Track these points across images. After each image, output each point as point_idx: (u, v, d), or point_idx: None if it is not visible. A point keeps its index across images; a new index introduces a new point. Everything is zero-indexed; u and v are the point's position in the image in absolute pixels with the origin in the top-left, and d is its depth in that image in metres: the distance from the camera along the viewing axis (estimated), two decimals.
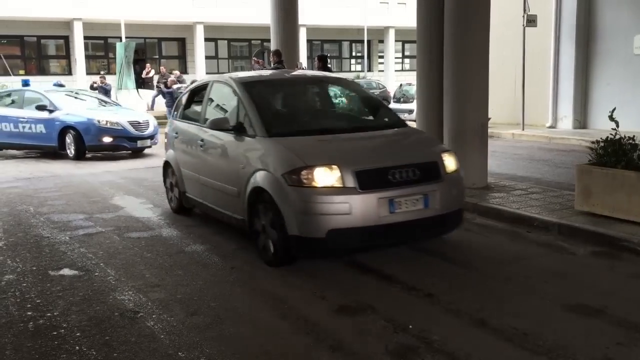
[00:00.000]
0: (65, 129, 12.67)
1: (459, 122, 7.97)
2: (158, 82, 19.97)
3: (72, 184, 9.60)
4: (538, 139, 14.49)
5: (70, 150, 12.66)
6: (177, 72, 22.32)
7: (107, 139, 12.57)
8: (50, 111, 12.92)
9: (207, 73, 28.10)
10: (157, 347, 3.68)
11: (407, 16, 31.26)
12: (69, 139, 12.65)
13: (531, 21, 15.06)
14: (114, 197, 8.47)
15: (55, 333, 3.92)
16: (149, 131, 13.20)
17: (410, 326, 3.89)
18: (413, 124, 8.08)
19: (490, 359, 3.47)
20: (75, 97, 14.50)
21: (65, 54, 29.04)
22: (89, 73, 27.37)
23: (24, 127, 13.19)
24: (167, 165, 7.40)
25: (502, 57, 15.96)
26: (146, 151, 13.64)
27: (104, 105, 14.32)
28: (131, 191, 8.85)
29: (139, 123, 13.08)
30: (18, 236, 6.40)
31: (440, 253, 5.62)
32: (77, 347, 3.70)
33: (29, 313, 4.26)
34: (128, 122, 12.84)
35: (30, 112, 13.14)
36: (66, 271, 5.21)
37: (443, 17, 8.05)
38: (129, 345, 3.72)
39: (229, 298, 4.51)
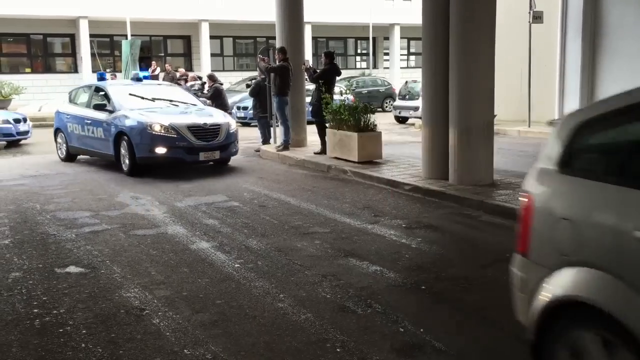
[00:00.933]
0: (120, 134, 10.09)
1: (465, 119, 7.95)
2: (178, 79, 19.97)
3: (77, 182, 9.62)
4: (544, 135, 14.40)
5: (125, 163, 10.09)
6: (182, 70, 22.33)
7: (160, 150, 9.63)
8: (110, 112, 10.49)
9: (212, 71, 28.11)
10: (162, 345, 3.69)
11: (412, 13, 31.15)
12: (123, 149, 10.05)
13: (537, 17, 15.00)
14: (119, 194, 8.49)
15: (61, 330, 3.93)
16: (219, 139, 10.03)
17: (417, 325, 3.88)
18: (418, 121, 8.05)
19: (497, 357, 3.46)
20: (151, 93, 11.56)
21: (71, 52, 29.11)
22: (94, 71, 27.42)
23: (88, 130, 11.03)
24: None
25: (508, 54, 15.90)
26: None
27: (178, 105, 11.17)
28: (137, 188, 8.86)
29: (204, 128, 9.90)
30: (24, 234, 6.42)
31: (445, 250, 5.61)
32: (83, 345, 3.71)
33: (35, 310, 4.28)
34: (187, 126, 9.76)
35: (93, 112, 10.93)
36: (72, 268, 5.22)
37: (449, 14, 8.02)
38: (134, 342, 3.73)
39: (234, 295, 4.51)
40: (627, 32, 14.68)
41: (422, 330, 3.80)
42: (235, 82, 25.22)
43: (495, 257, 5.35)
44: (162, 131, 9.60)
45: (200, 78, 17.84)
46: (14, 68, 27.89)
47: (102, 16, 26.92)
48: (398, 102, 20.27)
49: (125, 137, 9.91)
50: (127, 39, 24.17)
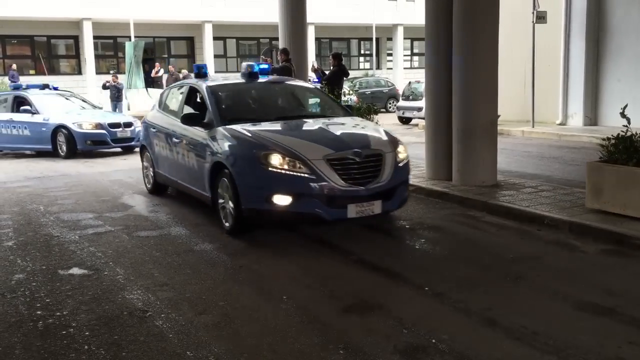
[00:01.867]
0: (219, 167, 6.24)
1: (468, 120, 7.93)
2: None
3: (81, 183, 9.64)
4: (548, 136, 14.41)
5: (226, 214, 6.20)
6: (185, 71, 22.38)
7: (280, 199, 5.64)
8: (208, 126, 6.62)
9: (215, 72, 28.16)
10: (165, 346, 3.68)
11: (415, 13, 31.18)
12: (222, 190, 6.21)
13: (541, 18, 14.98)
14: (123, 195, 8.50)
15: (64, 332, 3.93)
16: (381, 180, 5.82)
17: (420, 326, 3.86)
18: (422, 122, 8.01)
19: (500, 358, 3.44)
20: (269, 97, 7.83)
21: (75, 54, 29.21)
22: (98, 72, 27.51)
23: (177, 152, 7.37)
24: None
25: (512, 54, 15.88)
26: None
27: (314, 117, 7.12)
28: (140, 190, 8.87)
29: (355, 162, 5.73)
30: (28, 235, 6.43)
31: (449, 251, 5.60)
32: (86, 347, 3.71)
33: (39, 312, 4.28)
34: (327, 157, 5.67)
35: (182, 126, 7.15)
36: (75, 270, 5.23)
37: (452, 14, 8.01)
38: (137, 344, 3.73)
39: (237, 297, 4.50)
40: (630, 32, 14.64)
41: (425, 331, 3.79)
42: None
43: (499, 258, 5.33)
44: (285, 166, 5.66)
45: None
46: (18, 70, 27.97)
47: (106, 18, 27.00)
48: (401, 103, 20.27)
49: (227, 171, 6.08)
50: (130, 40, 24.22)
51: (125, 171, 10.83)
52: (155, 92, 23.16)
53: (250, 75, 7.60)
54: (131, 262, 5.40)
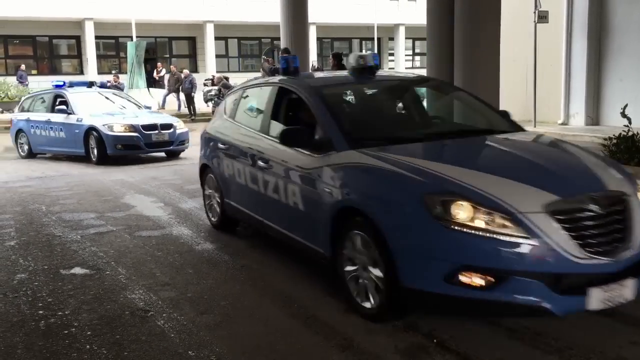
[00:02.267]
0: (347, 212, 4.02)
1: None
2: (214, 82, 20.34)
3: (83, 183, 9.65)
4: (551, 135, 14.38)
5: (363, 292, 4.03)
6: (186, 71, 22.39)
7: (471, 279, 3.35)
8: (322, 148, 4.42)
9: (217, 72, 28.18)
10: (167, 346, 3.69)
11: (417, 13, 31.16)
12: (350, 248, 4.08)
13: (543, 17, 14.97)
14: (124, 195, 8.51)
15: (66, 332, 3.94)
16: (634, 246, 3.44)
17: (422, 326, 3.86)
18: None
19: (502, 359, 3.44)
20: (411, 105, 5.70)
21: (77, 54, 29.26)
22: (100, 72, 27.55)
23: (263, 183, 5.15)
24: None
25: (513, 54, 15.88)
26: None
27: (491, 138, 4.56)
28: (142, 190, 8.88)
29: (598, 215, 3.41)
30: (30, 235, 6.44)
31: None
32: (87, 346, 3.72)
33: (41, 312, 4.29)
34: (550, 206, 3.34)
35: (274, 145, 5.04)
36: (77, 270, 5.24)
37: (453, 14, 8.01)
38: (139, 344, 3.73)
39: (239, 297, 4.50)
40: (632, 31, 14.62)
41: (426, 331, 3.78)
42: (240, 83, 25.30)
43: None
44: (481, 222, 3.37)
45: (227, 79, 17.64)
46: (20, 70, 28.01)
47: (108, 18, 27.05)
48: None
49: (359, 220, 3.93)
50: (132, 40, 24.25)
51: (126, 171, 10.85)
52: (157, 92, 23.25)
53: (364, 72, 5.30)
54: (133, 262, 5.40)
